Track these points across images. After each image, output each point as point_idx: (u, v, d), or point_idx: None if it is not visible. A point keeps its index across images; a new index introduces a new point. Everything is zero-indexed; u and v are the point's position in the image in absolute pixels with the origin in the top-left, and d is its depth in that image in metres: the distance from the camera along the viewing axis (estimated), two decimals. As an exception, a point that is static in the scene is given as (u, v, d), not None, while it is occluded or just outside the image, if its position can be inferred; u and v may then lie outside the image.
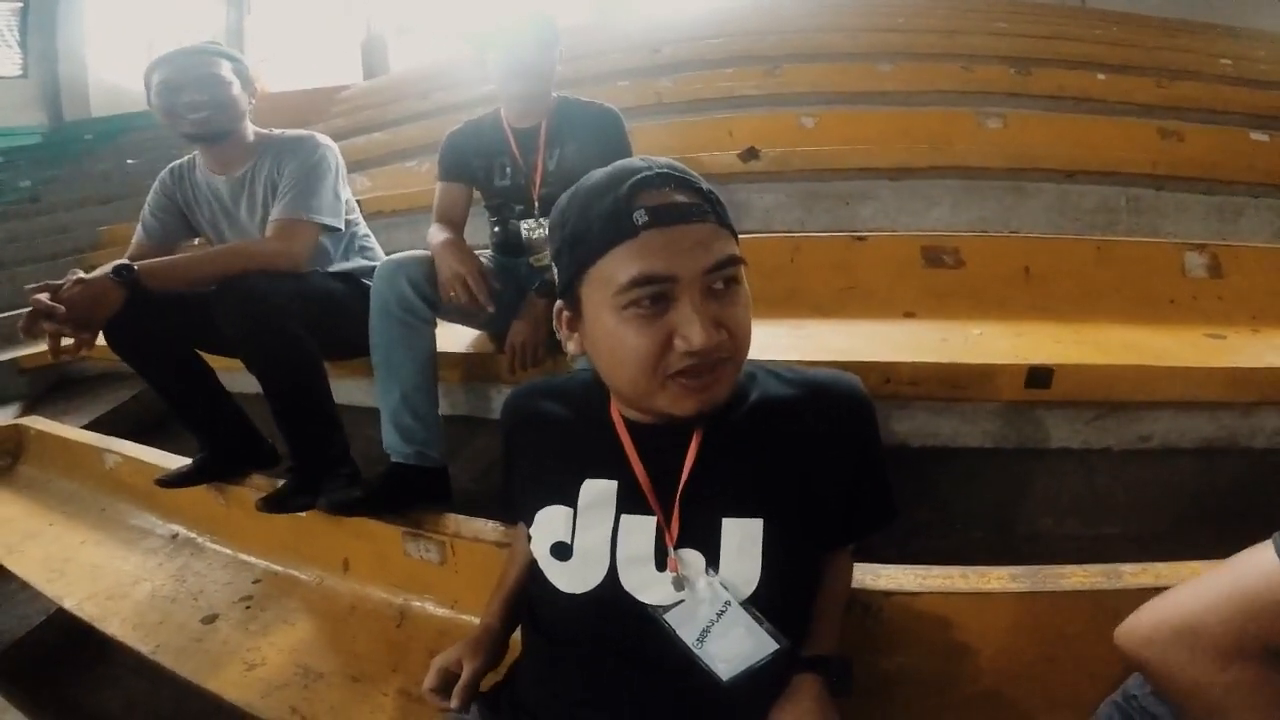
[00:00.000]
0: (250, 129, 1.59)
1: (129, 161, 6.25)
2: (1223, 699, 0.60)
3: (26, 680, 1.60)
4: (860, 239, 1.66)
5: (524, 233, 1.59)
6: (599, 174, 0.70)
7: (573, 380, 0.88)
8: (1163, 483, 1.37)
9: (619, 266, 0.64)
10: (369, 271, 1.57)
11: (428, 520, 1.31)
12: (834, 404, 0.77)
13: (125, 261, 1.32)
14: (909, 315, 1.60)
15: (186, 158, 1.67)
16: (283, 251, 1.42)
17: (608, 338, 0.67)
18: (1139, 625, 0.65)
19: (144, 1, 11.86)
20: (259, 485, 1.55)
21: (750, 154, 2.00)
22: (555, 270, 0.73)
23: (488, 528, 1.27)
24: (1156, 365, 1.31)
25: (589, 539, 0.75)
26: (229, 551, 1.63)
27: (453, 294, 1.35)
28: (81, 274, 1.27)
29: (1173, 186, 2.34)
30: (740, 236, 0.72)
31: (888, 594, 0.96)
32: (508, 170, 1.60)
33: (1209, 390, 1.30)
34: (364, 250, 1.71)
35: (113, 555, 1.74)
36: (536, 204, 1.58)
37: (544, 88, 1.57)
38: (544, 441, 0.83)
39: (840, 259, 1.65)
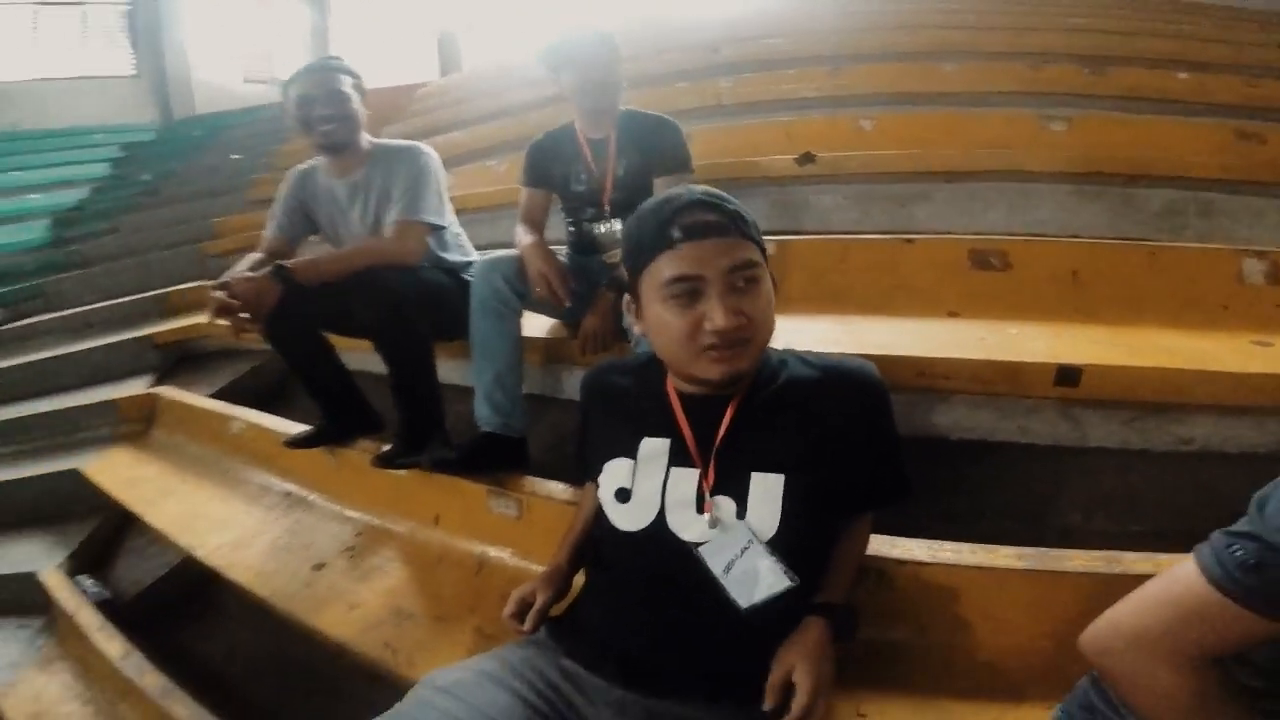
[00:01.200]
0: (365, 138, 1.83)
1: (233, 157, 6.68)
2: (1174, 704, 0.62)
3: (145, 628, 1.78)
4: (909, 241, 1.76)
5: (596, 233, 1.78)
6: (652, 200, 0.93)
7: (636, 360, 1.09)
8: (1199, 486, 1.39)
9: (662, 269, 0.87)
10: (464, 265, 1.82)
11: (509, 481, 1.51)
12: (850, 385, 0.94)
13: (281, 263, 1.61)
14: (952, 314, 1.68)
15: (309, 163, 1.92)
16: (402, 250, 1.69)
17: (656, 320, 0.89)
18: (1098, 632, 0.68)
19: (234, 2, 12.72)
20: (366, 448, 1.79)
21: (806, 158, 2.11)
22: (624, 271, 0.94)
23: (559, 489, 1.46)
24: (1190, 369, 1.35)
25: (645, 486, 0.93)
26: (336, 507, 1.85)
27: (538, 289, 1.55)
28: (249, 273, 1.59)
29: (1248, 190, 2.29)
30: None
31: (901, 562, 1.08)
32: (583, 177, 1.80)
33: (1243, 396, 1.33)
34: (459, 245, 1.94)
35: (236, 511, 2.00)
36: (607, 207, 1.78)
37: (612, 102, 1.77)
38: (612, 407, 1.04)
39: (889, 260, 1.76)
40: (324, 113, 1.72)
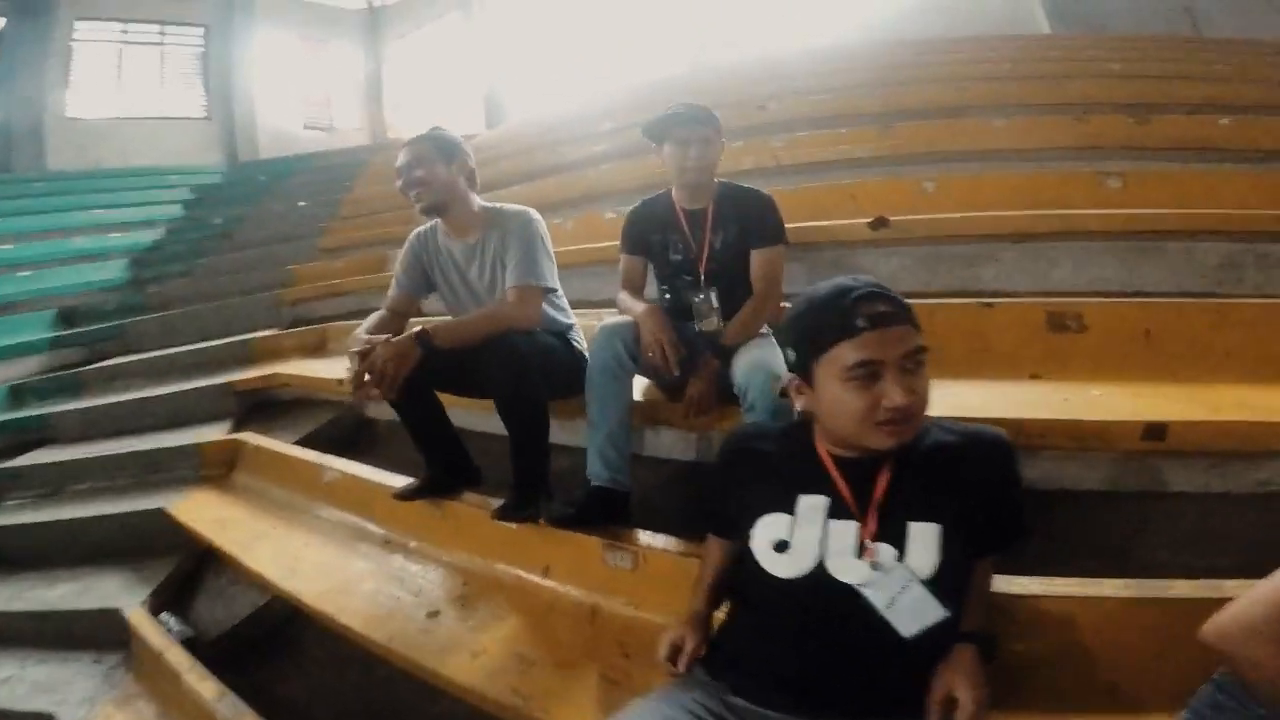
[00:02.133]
0: (475, 201, 1.95)
1: (300, 204, 6.89)
2: None
3: (228, 668, 1.77)
4: (989, 305, 1.85)
5: (692, 301, 1.87)
6: (826, 287, 1.05)
7: (776, 428, 1.23)
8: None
9: (847, 354, 0.99)
10: (567, 327, 1.96)
11: (622, 534, 1.61)
12: (989, 449, 1.08)
13: (423, 328, 1.71)
14: (1034, 377, 1.77)
15: (429, 224, 2.04)
16: (525, 315, 1.80)
17: (835, 399, 1.01)
18: (1218, 622, 0.79)
19: (297, 50, 13.24)
20: (471, 500, 1.90)
21: (880, 223, 2.21)
22: (787, 352, 1.08)
23: (672, 543, 1.56)
24: (1268, 421, 1.45)
25: (803, 537, 1.05)
26: (438, 555, 1.93)
27: (650, 354, 1.67)
28: (385, 336, 1.69)
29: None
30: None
31: (1019, 596, 1.19)
32: (680, 246, 1.92)
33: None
34: (562, 308, 2.04)
35: (334, 556, 2.05)
36: (703, 278, 1.89)
37: (710, 177, 1.90)
38: (760, 469, 1.16)
39: (971, 324, 1.85)
40: (410, 177, 1.86)
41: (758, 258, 1.85)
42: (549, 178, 5.01)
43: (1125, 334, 1.81)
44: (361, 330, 1.79)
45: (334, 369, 2.98)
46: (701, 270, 1.89)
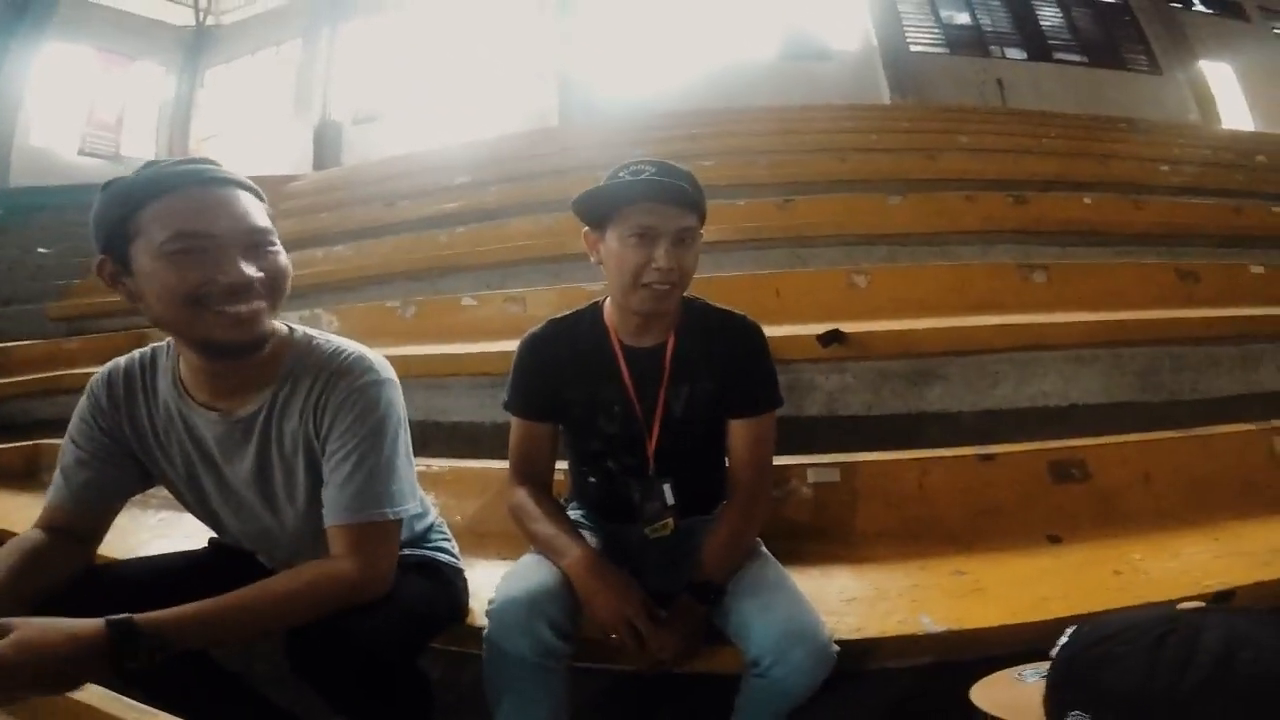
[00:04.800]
0: (271, 325, 1.00)
1: (40, 251, 5.23)
2: None
3: None
4: (988, 458, 1.55)
5: (637, 498, 1.23)
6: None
7: None
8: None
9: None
10: (427, 532, 1.24)
11: None
12: None
13: (123, 617, 0.79)
14: (1053, 540, 1.48)
15: (142, 352, 1.08)
16: (369, 579, 0.96)
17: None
18: None
19: (91, 63, 11.35)
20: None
21: (833, 337, 1.87)
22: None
23: None
24: None
25: None
26: None
27: (615, 636, 1.06)
28: (27, 622, 0.76)
29: (1209, 342, 2.37)
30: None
31: None
32: (617, 410, 1.22)
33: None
34: (424, 510, 1.26)
35: None
36: (652, 463, 1.24)
37: (678, 296, 1.19)
38: None
39: (969, 482, 1.54)
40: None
41: (743, 431, 1.22)
42: (383, 237, 4.21)
43: (1128, 480, 1.61)
44: None
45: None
46: (650, 449, 1.23)
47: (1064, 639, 0.65)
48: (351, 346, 1.06)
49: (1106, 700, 0.57)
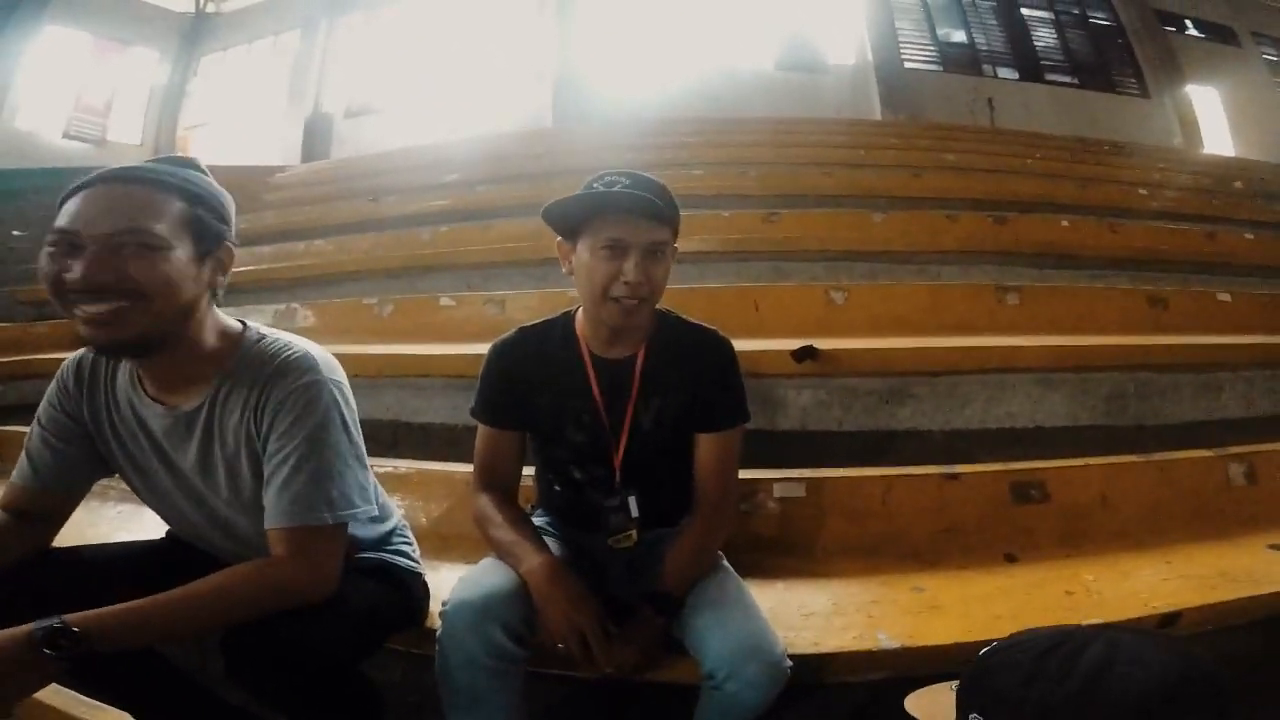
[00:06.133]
0: (215, 325, 1.03)
1: (15, 233, 5.14)
2: None
3: None
4: (952, 477, 1.59)
5: (603, 508, 1.24)
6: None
7: None
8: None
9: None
10: (385, 538, 1.23)
11: None
12: None
13: (55, 622, 0.80)
14: (1010, 559, 1.52)
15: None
16: (310, 581, 0.96)
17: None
18: None
19: (85, 48, 11.26)
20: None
21: (806, 353, 1.90)
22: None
23: None
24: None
25: None
26: None
27: (560, 647, 1.08)
28: None
29: (1178, 369, 2.42)
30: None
31: None
32: (586, 420, 1.23)
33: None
34: (379, 507, 1.19)
35: None
36: (619, 474, 1.25)
37: (651, 310, 1.22)
38: None
39: (932, 500, 1.57)
40: (92, 270, 0.91)
41: (711, 445, 1.24)
42: (367, 233, 4.19)
43: (1087, 502, 1.65)
44: None
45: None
46: (617, 460, 1.24)
47: (987, 648, 0.68)
48: (299, 345, 1.05)
49: (997, 704, 0.61)
